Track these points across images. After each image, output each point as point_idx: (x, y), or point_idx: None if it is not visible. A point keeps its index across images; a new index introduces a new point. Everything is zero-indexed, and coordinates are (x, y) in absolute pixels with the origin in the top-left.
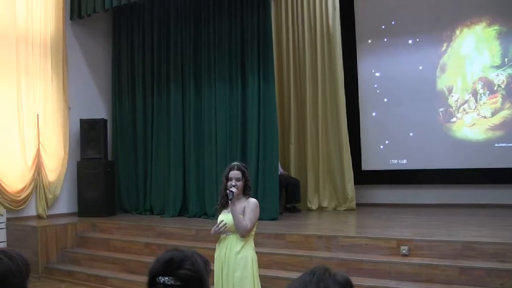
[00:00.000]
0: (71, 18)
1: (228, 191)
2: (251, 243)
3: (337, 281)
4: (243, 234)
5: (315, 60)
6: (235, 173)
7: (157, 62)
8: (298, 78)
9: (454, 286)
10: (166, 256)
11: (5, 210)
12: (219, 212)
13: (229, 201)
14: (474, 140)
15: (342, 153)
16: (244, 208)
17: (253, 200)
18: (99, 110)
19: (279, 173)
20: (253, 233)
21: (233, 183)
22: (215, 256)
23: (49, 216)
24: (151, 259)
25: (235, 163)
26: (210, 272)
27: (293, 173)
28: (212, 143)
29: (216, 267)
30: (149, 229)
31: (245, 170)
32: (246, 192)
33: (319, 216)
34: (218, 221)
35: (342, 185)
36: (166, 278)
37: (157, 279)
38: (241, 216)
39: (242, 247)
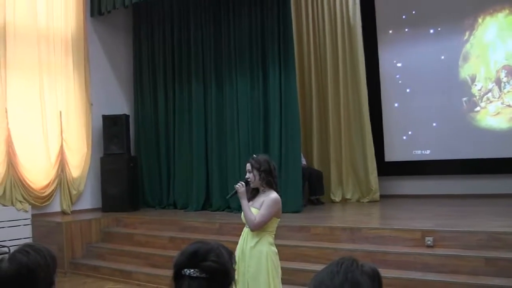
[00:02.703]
0: (92, 15)
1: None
2: (267, 238)
3: (365, 272)
4: (252, 228)
5: (336, 52)
6: (246, 166)
7: (177, 57)
8: (319, 70)
9: (480, 277)
10: (191, 249)
11: (30, 206)
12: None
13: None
14: (498, 129)
15: (365, 145)
16: (263, 202)
17: (272, 196)
18: (121, 105)
19: (301, 165)
20: (270, 229)
21: (246, 176)
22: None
23: (74, 212)
24: (175, 253)
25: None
26: (235, 264)
27: (316, 165)
28: (235, 136)
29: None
30: (173, 223)
31: (255, 162)
32: (266, 184)
33: (342, 208)
34: None
35: (366, 177)
36: (192, 270)
37: (182, 271)
38: (254, 210)
39: (257, 242)
